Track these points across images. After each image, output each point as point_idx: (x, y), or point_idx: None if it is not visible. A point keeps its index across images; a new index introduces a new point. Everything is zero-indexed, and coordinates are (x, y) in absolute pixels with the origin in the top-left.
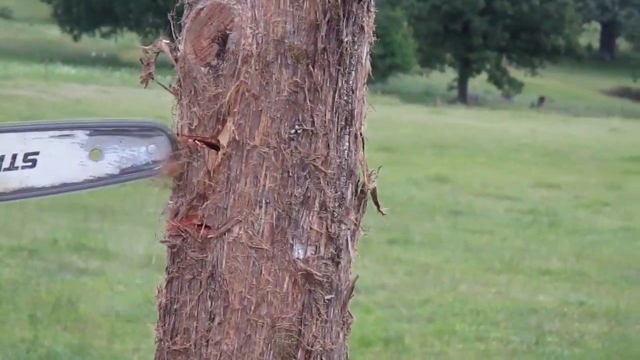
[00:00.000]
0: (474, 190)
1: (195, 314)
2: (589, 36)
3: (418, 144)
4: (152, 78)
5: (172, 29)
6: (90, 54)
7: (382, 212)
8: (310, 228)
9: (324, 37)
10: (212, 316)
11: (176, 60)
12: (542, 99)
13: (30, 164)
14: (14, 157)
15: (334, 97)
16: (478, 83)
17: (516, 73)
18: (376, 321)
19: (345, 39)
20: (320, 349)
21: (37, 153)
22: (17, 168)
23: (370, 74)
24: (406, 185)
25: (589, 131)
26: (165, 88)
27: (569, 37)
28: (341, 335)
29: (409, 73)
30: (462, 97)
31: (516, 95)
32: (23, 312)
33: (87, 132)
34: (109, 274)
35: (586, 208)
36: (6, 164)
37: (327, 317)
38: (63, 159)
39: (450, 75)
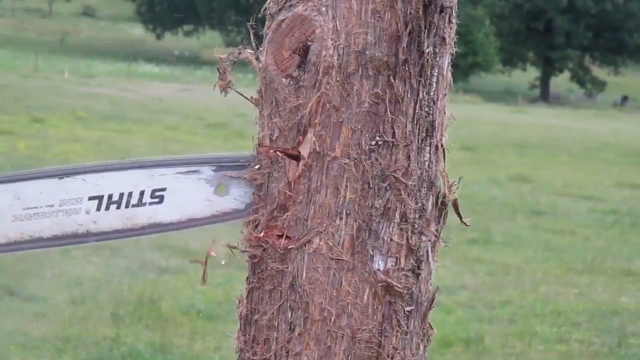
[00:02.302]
0: (556, 190)
1: (276, 325)
2: None
3: (499, 143)
4: (231, 87)
5: (252, 39)
6: (172, 52)
7: (465, 224)
8: (391, 239)
9: (405, 48)
10: (292, 327)
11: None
12: (625, 98)
13: (157, 199)
14: (142, 193)
15: (414, 109)
16: (560, 82)
17: (599, 72)
18: (457, 321)
19: (427, 50)
20: None
21: (164, 189)
22: (145, 204)
23: (452, 75)
24: (487, 184)
25: None
26: (246, 98)
27: None
28: (421, 347)
29: (490, 72)
30: (544, 96)
31: (599, 95)
32: (105, 311)
33: (213, 167)
34: (190, 272)
35: None
36: (134, 200)
37: (407, 328)
38: (189, 195)
39: (532, 74)
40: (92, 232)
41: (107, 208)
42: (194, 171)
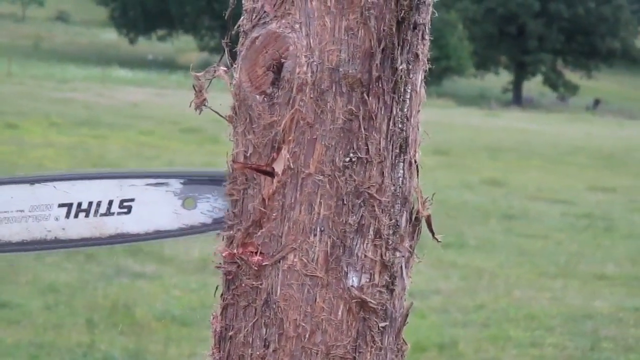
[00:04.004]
0: (529, 194)
1: (250, 341)
2: None
3: (472, 147)
4: (206, 105)
5: (227, 57)
6: (146, 57)
7: (437, 239)
8: (365, 256)
9: (378, 65)
10: (267, 343)
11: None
12: (597, 102)
13: (125, 210)
14: (110, 203)
15: (388, 125)
16: (533, 86)
17: (571, 76)
18: (431, 326)
19: (400, 67)
20: None
21: (132, 200)
22: (113, 214)
23: (425, 80)
24: (460, 188)
25: None
26: (221, 116)
27: (625, 40)
28: None
29: (463, 76)
30: (517, 99)
31: (571, 98)
32: (80, 316)
33: (182, 181)
34: (164, 278)
35: None
36: (103, 209)
37: (381, 344)
38: (157, 207)
39: (505, 78)
40: (60, 239)
41: (76, 216)
42: (163, 183)
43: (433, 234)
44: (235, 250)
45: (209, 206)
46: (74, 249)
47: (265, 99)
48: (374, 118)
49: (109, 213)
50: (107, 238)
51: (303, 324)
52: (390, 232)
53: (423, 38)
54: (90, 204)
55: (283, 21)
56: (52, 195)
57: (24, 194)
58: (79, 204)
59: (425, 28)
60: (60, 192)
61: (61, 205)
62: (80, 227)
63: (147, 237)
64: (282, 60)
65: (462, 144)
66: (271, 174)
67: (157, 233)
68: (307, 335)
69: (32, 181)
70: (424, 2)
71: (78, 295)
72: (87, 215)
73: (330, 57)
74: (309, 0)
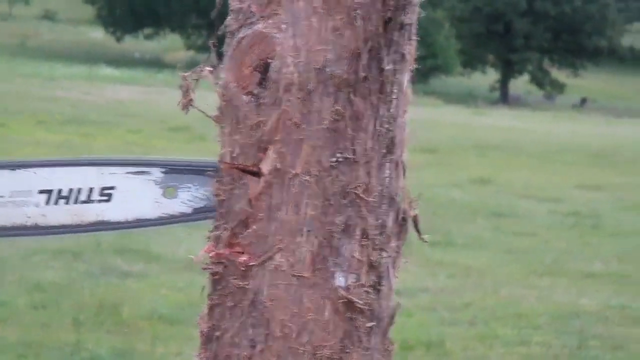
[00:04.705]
0: (516, 192)
1: (237, 342)
2: (632, 37)
3: (460, 145)
4: (192, 105)
5: (214, 57)
6: (133, 55)
7: (423, 239)
8: (352, 256)
9: (365, 65)
10: (254, 344)
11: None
12: (584, 100)
13: (106, 198)
14: (91, 190)
15: (375, 125)
16: (520, 84)
17: (558, 74)
18: (418, 325)
19: (387, 68)
20: None
21: (113, 188)
22: (93, 201)
23: (412, 78)
24: (448, 186)
25: (632, 132)
26: (208, 116)
27: (611, 38)
28: None
29: (450, 74)
30: (504, 98)
31: (558, 97)
32: (67, 316)
33: (163, 169)
34: (152, 276)
35: (630, 210)
36: (83, 196)
37: (368, 344)
38: (138, 195)
39: (492, 76)
40: (40, 225)
41: (56, 202)
42: (144, 172)
43: (420, 234)
44: (221, 251)
45: (189, 196)
46: (54, 235)
47: (252, 99)
48: (361, 118)
49: (89, 200)
50: (87, 225)
51: (290, 324)
52: (377, 232)
53: (410, 38)
54: (70, 191)
55: (270, 21)
56: (32, 181)
57: (4, 180)
58: (59, 191)
59: (411, 28)
60: (40, 179)
61: (41, 192)
62: (60, 214)
63: (127, 225)
64: (269, 61)
65: (450, 142)
66: (258, 174)
67: (137, 221)
68: (293, 336)
69: (13, 167)
70: (411, 2)
71: (65, 294)
72: (67, 202)
73: (316, 57)
74: (296, 1)
